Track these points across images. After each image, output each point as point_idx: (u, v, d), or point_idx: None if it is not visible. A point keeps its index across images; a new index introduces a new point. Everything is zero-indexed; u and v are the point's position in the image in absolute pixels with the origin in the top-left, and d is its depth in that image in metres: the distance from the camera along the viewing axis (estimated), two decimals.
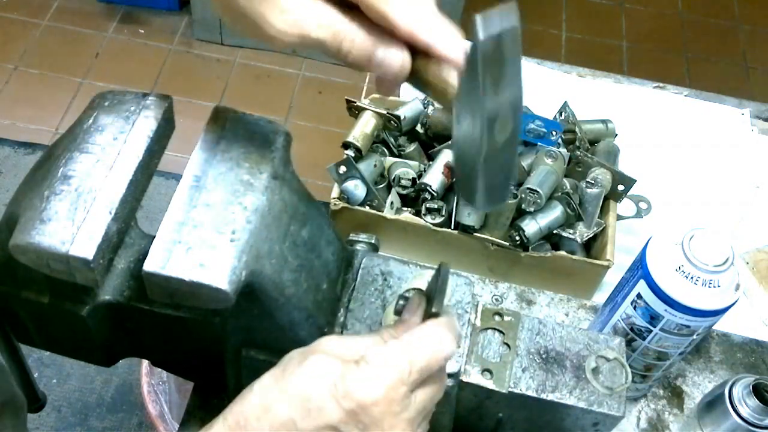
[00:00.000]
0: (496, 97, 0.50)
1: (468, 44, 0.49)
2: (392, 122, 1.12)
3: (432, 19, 0.51)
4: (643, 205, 1.17)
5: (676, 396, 0.97)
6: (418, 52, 0.52)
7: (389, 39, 0.51)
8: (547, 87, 1.40)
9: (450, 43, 0.50)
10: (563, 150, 1.13)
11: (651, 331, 0.83)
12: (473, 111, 0.50)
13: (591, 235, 1.09)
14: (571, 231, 1.09)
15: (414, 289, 0.69)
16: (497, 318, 0.74)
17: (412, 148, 1.16)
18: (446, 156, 1.09)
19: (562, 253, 1.07)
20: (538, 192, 1.05)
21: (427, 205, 1.09)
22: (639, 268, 0.82)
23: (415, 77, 0.53)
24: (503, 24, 0.47)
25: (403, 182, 1.11)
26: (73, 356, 0.77)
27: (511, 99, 0.51)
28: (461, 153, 0.55)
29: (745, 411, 0.83)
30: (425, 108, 1.17)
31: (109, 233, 0.58)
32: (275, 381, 0.56)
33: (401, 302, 0.68)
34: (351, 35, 0.51)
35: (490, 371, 0.70)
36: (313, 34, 0.51)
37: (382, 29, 0.51)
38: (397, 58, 0.52)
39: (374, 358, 0.55)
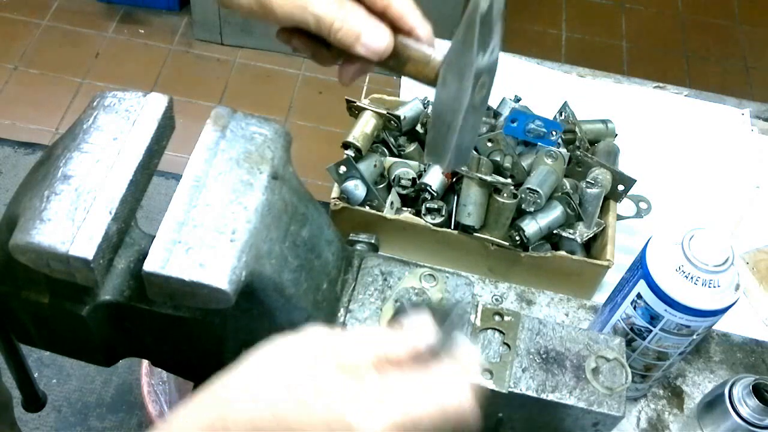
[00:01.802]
0: (483, 56, 0.57)
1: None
2: (392, 122, 1.12)
3: (412, 6, 0.61)
4: (643, 205, 1.17)
5: (676, 396, 0.97)
6: (399, 32, 0.61)
7: (376, 21, 0.59)
8: (547, 87, 1.40)
9: (427, 27, 0.60)
10: (563, 150, 1.13)
11: (651, 331, 0.83)
12: (461, 69, 0.57)
13: (591, 235, 1.09)
14: (571, 231, 1.09)
15: (415, 298, 0.69)
16: (497, 318, 0.74)
17: (412, 148, 1.16)
18: None
19: (562, 253, 1.07)
20: (538, 192, 1.05)
21: (427, 205, 1.09)
22: (639, 268, 0.82)
23: (395, 57, 0.61)
24: None
25: (403, 182, 1.11)
26: (73, 356, 0.77)
27: (492, 61, 0.59)
28: (441, 112, 0.61)
29: (745, 411, 0.83)
30: (425, 108, 1.17)
31: (109, 233, 0.58)
32: None
33: (398, 304, 0.68)
34: (342, 15, 0.58)
35: (490, 371, 0.70)
36: (311, 9, 0.58)
37: (367, 14, 0.60)
38: (385, 37, 0.60)
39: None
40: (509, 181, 1.07)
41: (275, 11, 0.59)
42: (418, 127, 1.17)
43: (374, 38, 0.60)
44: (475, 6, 0.55)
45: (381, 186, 1.13)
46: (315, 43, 0.64)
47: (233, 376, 0.52)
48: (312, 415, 0.48)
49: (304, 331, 0.52)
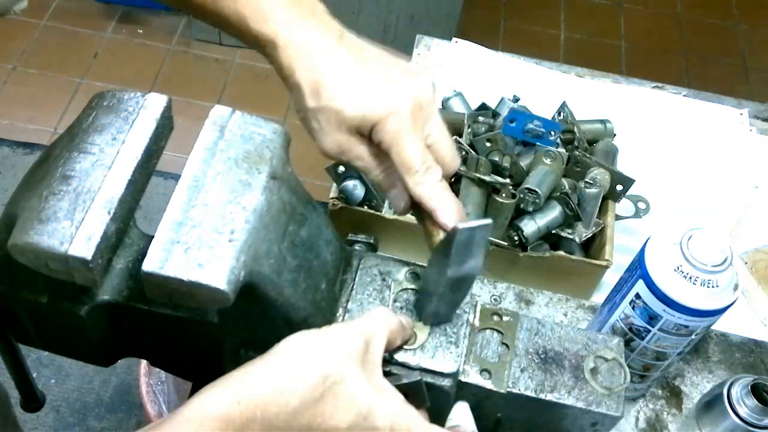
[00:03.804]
0: (458, 269, 0.64)
1: (457, 222, 0.64)
2: None
3: (438, 192, 0.67)
4: (641, 205, 1.17)
5: (674, 396, 0.97)
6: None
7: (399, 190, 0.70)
8: (545, 87, 1.40)
9: (445, 216, 0.66)
10: (562, 150, 1.13)
11: (649, 331, 0.83)
12: (440, 271, 0.64)
13: (590, 235, 1.10)
14: (570, 231, 1.10)
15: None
16: (496, 318, 0.74)
17: None
18: None
19: (561, 253, 1.07)
20: (536, 192, 1.05)
21: None
22: (637, 268, 0.82)
23: (416, 213, 0.70)
24: (478, 225, 0.61)
25: None
26: (72, 356, 0.77)
27: (469, 271, 0.65)
28: (425, 283, 0.70)
29: (743, 411, 0.83)
30: None
31: (108, 233, 0.58)
32: None
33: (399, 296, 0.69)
34: (377, 173, 0.70)
35: (488, 371, 0.70)
36: (351, 162, 0.70)
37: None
38: (402, 203, 0.71)
39: None
40: (508, 181, 1.07)
41: (321, 151, 0.71)
42: None
43: (394, 200, 0.72)
44: (454, 233, 0.61)
45: None
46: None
47: (262, 367, 0.56)
48: (343, 410, 0.55)
49: (325, 329, 0.60)
